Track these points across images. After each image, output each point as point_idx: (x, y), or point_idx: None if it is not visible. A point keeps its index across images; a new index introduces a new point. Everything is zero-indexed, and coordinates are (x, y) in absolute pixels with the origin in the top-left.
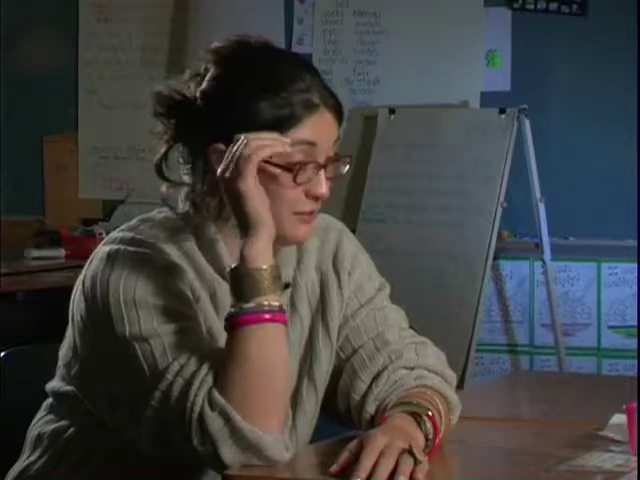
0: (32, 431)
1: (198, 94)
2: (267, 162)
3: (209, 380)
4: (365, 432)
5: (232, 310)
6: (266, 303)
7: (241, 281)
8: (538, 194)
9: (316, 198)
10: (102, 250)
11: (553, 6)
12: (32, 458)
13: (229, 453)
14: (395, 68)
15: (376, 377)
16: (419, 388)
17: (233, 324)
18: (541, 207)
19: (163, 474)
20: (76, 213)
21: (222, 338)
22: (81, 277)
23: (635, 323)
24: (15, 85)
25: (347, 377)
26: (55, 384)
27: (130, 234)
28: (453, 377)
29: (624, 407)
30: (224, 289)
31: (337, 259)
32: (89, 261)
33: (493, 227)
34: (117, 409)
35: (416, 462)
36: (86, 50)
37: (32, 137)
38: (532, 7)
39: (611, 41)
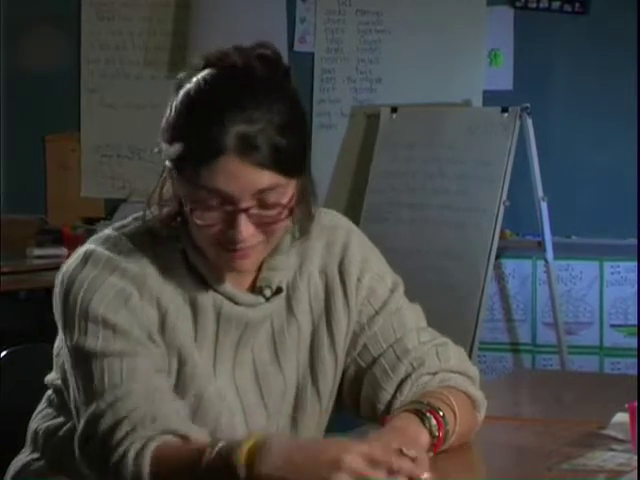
0: (31, 424)
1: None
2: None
3: (147, 430)
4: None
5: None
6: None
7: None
8: (540, 193)
9: (232, 244)
10: (83, 247)
11: (555, 5)
12: (33, 455)
13: None
14: (397, 67)
15: (399, 386)
16: (440, 388)
17: None
18: (543, 206)
19: None
20: (78, 212)
21: (192, 356)
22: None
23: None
24: (17, 84)
25: (370, 387)
26: (52, 375)
27: (115, 233)
28: (476, 374)
29: (626, 406)
30: (206, 298)
31: (343, 265)
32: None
33: (495, 226)
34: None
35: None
36: (88, 49)
37: (34, 136)
38: (534, 6)
39: (613, 40)
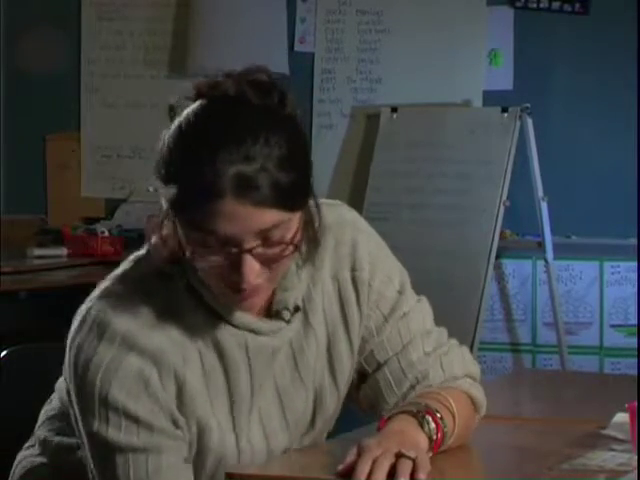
0: (41, 431)
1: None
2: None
3: None
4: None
5: None
6: None
7: None
8: (540, 193)
9: (239, 288)
10: (93, 310)
11: (555, 5)
12: (43, 459)
13: None
14: (397, 67)
15: (402, 399)
16: (439, 390)
17: None
18: (543, 206)
19: None
20: (78, 212)
21: (210, 423)
22: (71, 332)
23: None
24: (17, 84)
25: (372, 393)
26: (59, 392)
27: (120, 288)
28: (478, 372)
29: (626, 406)
30: (228, 337)
31: (355, 270)
32: (79, 315)
33: (495, 226)
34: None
35: (415, 463)
36: (88, 49)
37: (34, 136)
38: (534, 6)
39: (613, 40)
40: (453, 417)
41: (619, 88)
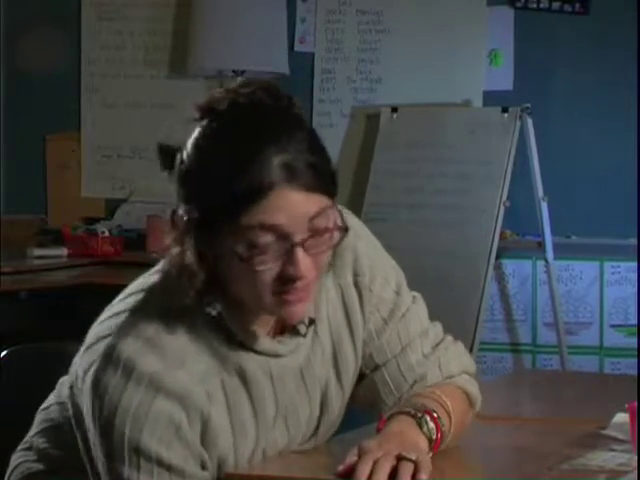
0: (38, 440)
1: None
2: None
3: None
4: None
5: None
6: None
7: None
8: (540, 193)
9: (293, 280)
10: (118, 347)
11: (556, 5)
12: (39, 466)
13: None
14: (397, 67)
15: (400, 399)
16: (434, 386)
17: None
18: (543, 206)
19: None
20: (78, 212)
21: (251, 429)
22: (89, 357)
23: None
24: (17, 84)
25: (369, 393)
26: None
27: (146, 329)
28: (472, 365)
29: (626, 406)
30: (251, 364)
31: (358, 276)
32: (102, 349)
33: (495, 226)
34: None
35: (416, 464)
36: (88, 49)
37: (34, 136)
38: (535, 6)
39: (613, 40)
40: (449, 416)
41: (619, 88)
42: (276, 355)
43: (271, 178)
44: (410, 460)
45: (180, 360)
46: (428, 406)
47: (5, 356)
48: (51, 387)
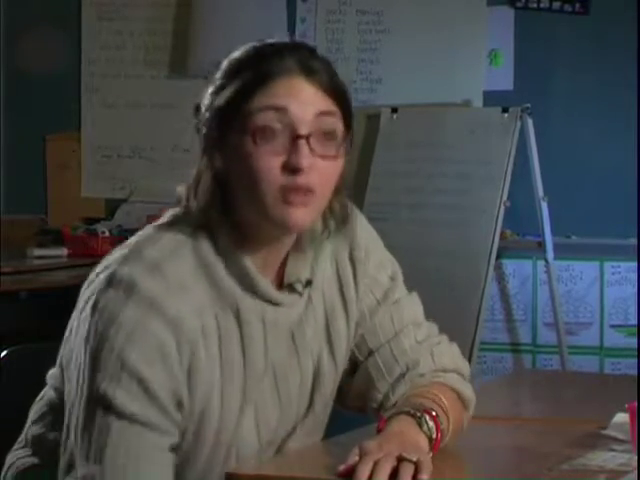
0: (33, 428)
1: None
2: (226, 133)
3: None
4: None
5: None
6: None
7: None
8: (541, 193)
9: (295, 170)
10: (118, 274)
11: (556, 5)
12: (34, 460)
13: None
14: (397, 67)
15: (392, 386)
16: (430, 386)
17: None
18: (544, 206)
19: None
20: (78, 212)
21: (213, 401)
22: (91, 290)
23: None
24: (17, 84)
25: (363, 384)
26: (54, 373)
27: (148, 258)
28: (467, 370)
29: (626, 406)
30: (247, 305)
31: (354, 252)
32: (101, 272)
33: (496, 226)
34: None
35: (417, 464)
36: (88, 49)
37: (34, 136)
38: (535, 6)
39: (614, 40)
40: (446, 414)
41: (619, 88)
42: (272, 302)
43: (288, 67)
44: (410, 461)
45: (181, 287)
46: (426, 405)
47: (5, 356)
48: None
